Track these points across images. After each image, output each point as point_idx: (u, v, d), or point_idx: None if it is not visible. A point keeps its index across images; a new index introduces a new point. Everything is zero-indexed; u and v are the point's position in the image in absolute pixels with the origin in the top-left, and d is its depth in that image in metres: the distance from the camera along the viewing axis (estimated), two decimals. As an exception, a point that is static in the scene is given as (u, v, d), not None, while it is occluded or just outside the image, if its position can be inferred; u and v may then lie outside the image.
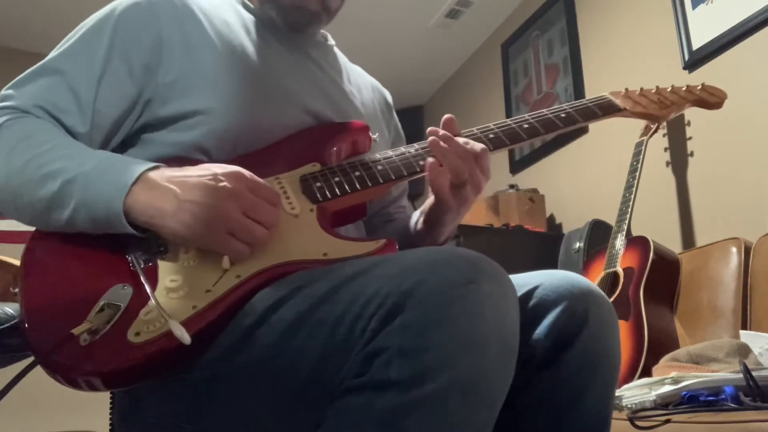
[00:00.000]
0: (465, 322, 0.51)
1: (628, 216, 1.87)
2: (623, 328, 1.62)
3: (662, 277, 1.73)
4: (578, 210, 2.55)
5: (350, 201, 0.78)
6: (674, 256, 1.80)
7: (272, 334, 0.59)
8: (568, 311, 0.71)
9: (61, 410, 2.34)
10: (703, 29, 2.03)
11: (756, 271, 1.57)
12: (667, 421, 0.99)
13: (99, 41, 0.78)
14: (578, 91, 2.63)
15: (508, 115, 3.13)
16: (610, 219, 2.02)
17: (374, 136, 0.87)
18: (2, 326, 0.81)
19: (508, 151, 3.04)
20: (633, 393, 1.14)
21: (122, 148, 0.80)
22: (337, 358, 0.54)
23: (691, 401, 1.02)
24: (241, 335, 0.61)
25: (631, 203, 1.89)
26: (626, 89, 0.95)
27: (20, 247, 0.70)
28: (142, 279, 0.63)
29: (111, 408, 0.73)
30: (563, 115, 0.87)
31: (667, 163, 2.14)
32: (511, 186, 2.67)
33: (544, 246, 2.41)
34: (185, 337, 0.57)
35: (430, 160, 0.76)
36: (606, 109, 0.90)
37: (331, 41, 1.01)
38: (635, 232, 1.90)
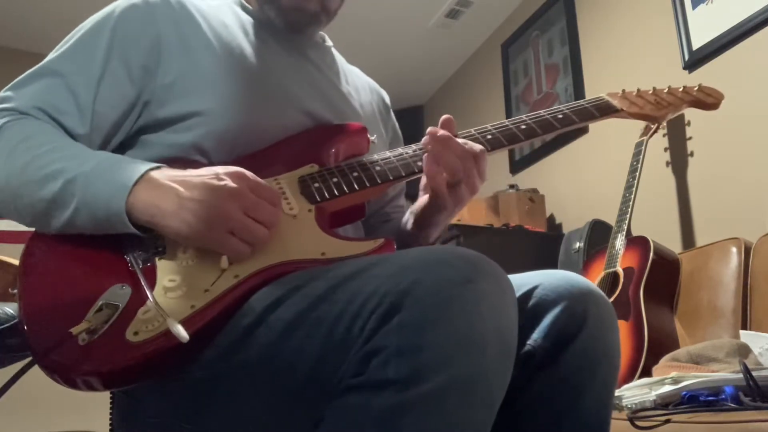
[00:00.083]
0: (463, 321, 0.51)
1: (628, 216, 1.87)
2: (623, 328, 1.62)
3: (662, 277, 1.73)
4: (578, 210, 2.55)
5: (348, 201, 0.78)
6: (674, 256, 1.80)
7: (270, 334, 0.59)
8: (567, 311, 0.71)
9: (61, 410, 2.34)
10: (703, 29, 2.03)
11: (756, 271, 1.56)
12: (667, 421, 0.99)
13: (98, 43, 0.78)
14: (578, 91, 2.63)
15: (508, 115, 3.13)
16: (610, 219, 2.02)
17: (372, 138, 0.87)
18: (2, 326, 0.81)
19: (508, 151, 3.05)
20: (633, 393, 1.14)
21: (121, 149, 0.80)
22: (335, 358, 0.54)
23: (691, 401, 1.02)
24: (240, 335, 0.61)
25: (631, 203, 1.89)
26: (623, 90, 0.95)
27: (20, 247, 0.70)
28: (141, 279, 0.63)
29: (111, 408, 0.73)
30: (560, 116, 0.87)
31: (667, 163, 2.14)
32: (511, 186, 2.67)
33: (544, 246, 2.41)
34: (183, 336, 0.57)
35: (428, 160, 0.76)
36: (603, 110, 0.90)
37: (329, 42, 1.01)
38: (635, 232, 1.90)
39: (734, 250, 1.64)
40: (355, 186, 0.77)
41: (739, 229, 1.75)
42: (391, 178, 0.78)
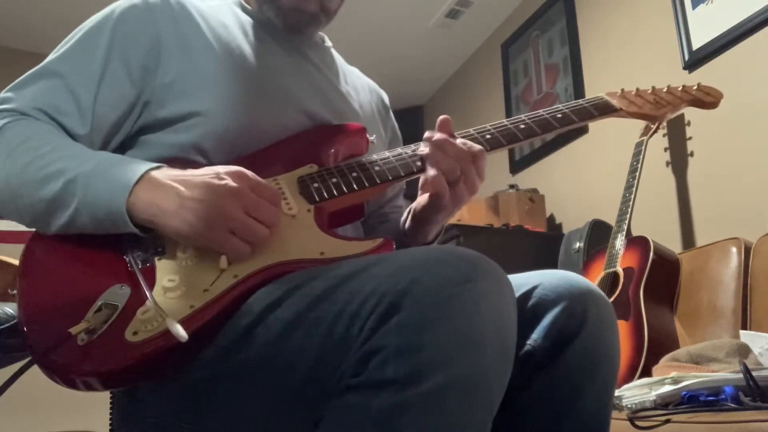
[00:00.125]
0: (462, 320, 0.51)
1: (628, 216, 1.87)
2: (623, 328, 1.62)
3: (662, 277, 1.73)
4: (578, 210, 2.55)
5: (347, 201, 0.78)
6: (674, 256, 1.80)
7: (270, 334, 0.59)
8: (567, 311, 0.71)
9: (61, 410, 2.35)
10: (703, 29, 2.03)
11: (756, 271, 1.56)
12: (667, 421, 0.99)
13: (98, 43, 0.78)
14: (578, 91, 2.63)
15: (508, 115, 3.13)
16: (610, 219, 2.02)
17: (371, 138, 0.88)
18: (2, 326, 0.81)
19: (508, 151, 3.05)
20: (633, 393, 1.14)
21: (121, 149, 0.80)
22: (334, 357, 0.54)
23: (691, 401, 1.02)
24: (239, 335, 0.61)
25: (631, 203, 1.89)
26: (622, 89, 0.95)
27: (20, 247, 0.70)
28: (140, 279, 0.63)
29: (111, 408, 0.73)
30: (559, 116, 0.87)
31: (667, 163, 2.14)
32: (511, 186, 2.67)
33: (544, 246, 2.41)
34: (182, 335, 0.57)
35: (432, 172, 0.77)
36: (602, 109, 0.90)
37: (329, 43, 1.01)
38: (635, 232, 1.90)
39: (734, 250, 1.64)
40: (354, 186, 0.77)
41: (739, 229, 1.75)
42: (390, 178, 0.78)
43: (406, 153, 0.81)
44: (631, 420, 1.01)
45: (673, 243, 1.98)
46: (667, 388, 1.07)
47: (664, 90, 0.97)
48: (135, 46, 0.78)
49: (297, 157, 0.80)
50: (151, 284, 0.64)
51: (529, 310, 0.72)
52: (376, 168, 0.79)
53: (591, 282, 0.76)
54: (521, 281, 0.75)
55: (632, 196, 1.90)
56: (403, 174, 0.79)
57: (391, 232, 0.95)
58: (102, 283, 0.64)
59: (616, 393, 1.14)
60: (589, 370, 0.70)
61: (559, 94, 2.79)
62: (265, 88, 0.83)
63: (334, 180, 0.77)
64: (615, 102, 0.92)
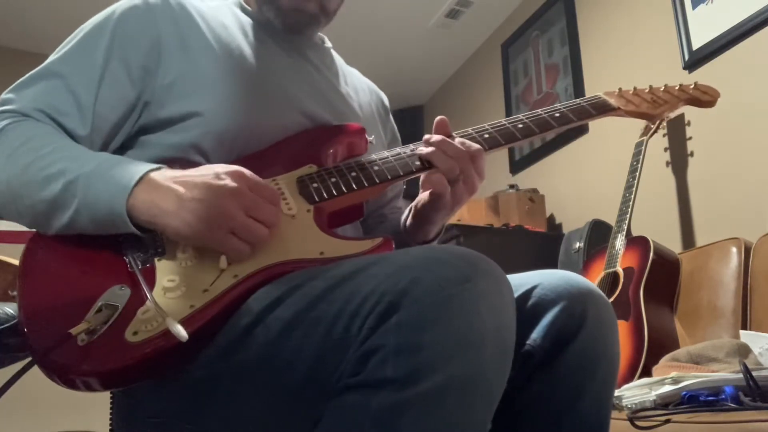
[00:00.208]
0: (461, 320, 0.51)
1: (628, 216, 1.87)
2: (623, 328, 1.62)
3: (662, 277, 1.73)
4: (578, 210, 2.55)
5: (347, 201, 0.78)
6: (674, 256, 1.80)
7: (269, 333, 0.59)
8: (566, 311, 0.71)
9: (61, 410, 2.35)
10: (703, 29, 2.03)
11: (756, 271, 1.56)
12: (667, 421, 0.99)
13: (98, 44, 0.78)
14: (578, 91, 2.63)
15: (508, 115, 3.13)
16: (610, 219, 2.02)
17: (370, 138, 0.88)
18: (2, 326, 0.81)
19: (508, 151, 3.05)
20: (633, 393, 1.14)
21: (121, 150, 0.81)
22: (333, 357, 0.54)
23: (691, 401, 1.02)
24: (239, 335, 0.61)
25: (631, 203, 1.89)
26: (620, 89, 0.96)
27: (20, 247, 0.70)
28: (140, 279, 0.63)
29: (111, 408, 0.73)
30: (557, 115, 0.87)
31: (667, 163, 2.14)
32: (511, 186, 2.67)
33: (544, 246, 2.41)
34: (182, 335, 0.57)
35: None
36: (599, 108, 0.91)
37: (328, 44, 1.02)
38: (635, 232, 1.90)
39: (734, 250, 1.64)
40: (354, 186, 0.77)
41: (739, 229, 1.75)
42: (389, 177, 0.78)
43: (404, 153, 0.81)
44: (631, 420, 1.01)
45: (673, 243, 1.98)
46: (667, 388, 1.07)
47: (662, 89, 0.98)
48: (135, 47, 0.79)
49: (296, 158, 0.80)
50: (151, 285, 0.64)
51: (528, 309, 0.72)
52: (375, 168, 0.79)
53: (591, 282, 0.76)
54: (521, 281, 0.75)
55: (632, 196, 1.90)
56: (402, 174, 0.79)
57: (390, 232, 0.95)
58: (102, 284, 0.64)
59: (616, 393, 1.15)
60: (588, 370, 0.70)
61: (559, 94, 2.78)
62: (265, 88, 0.83)
63: (334, 180, 0.77)
64: (613, 101, 0.92)
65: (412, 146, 0.82)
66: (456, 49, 3.57)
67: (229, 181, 0.65)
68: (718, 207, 1.92)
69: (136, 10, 0.81)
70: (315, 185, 0.76)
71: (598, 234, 2.19)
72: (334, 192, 0.76)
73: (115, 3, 0.83)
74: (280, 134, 0.82)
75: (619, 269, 1.79)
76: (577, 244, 2.21)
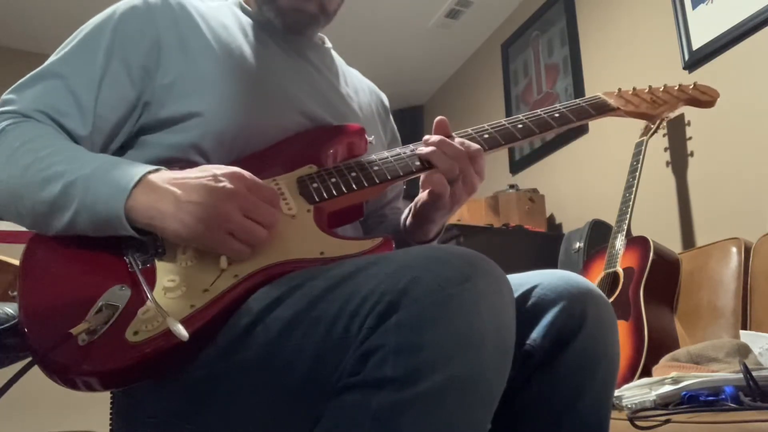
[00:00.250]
0: (461, 320, 0.51)
1: (628, 216, 1.87)
2: (623, 328, 1.62)
3: (662, 277, 1.73)
4: (578, 210, 2.55)
5: (347, 201, 0.78)
6: (674, 256, 1.80)
7: (269, 333, 0.59)
8: (566, 311, 0.71)
9: (61, 410, 2.34)
10: (703, 29, 2.03)
11: (756, 271, 1.56)
12: (667, 421, 0.99)
13: (98, 44, 0.78)
14: (578, 91, 2.63)
15: (508, 115, 3.13)
16: (610, 219, 2.02)
17: (370, 139, 0.88)
18: (2, 326, 0.81)
19: (508, 151, 3.05)
20: (633, 393, 1.14)
21: (121, 150, 0.81)
22: (333, 357, 0.54)
23: (691, 401, 1.02)
24: (239, 334, 0.61)
25: (631, 203, 1.89)
26: (619, 89, 0.96)
27: (20, 247, 0.70)
28: (140, 279, 0.64)
29: (111, 408, 0.73)
30: (557, 115, 0.87)
31: (667, 163, 2.14)
32: (511, 186, 2.67)
33: (544, 246, 2.41)
34: (183, 334, 0.57)
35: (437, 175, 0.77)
36: (599, 108, 0.91)
37: (329, 44, 1.02)
38: (635, 232, 1.90)
39: (734, 250, 1.64)
40: (354, 186, 0.77)
41: (739, 229, 1.75)
42: (389, 178, 0.78)
43: (404, 153, 0.81)
44: (631, 420, 1.01)
45: (673, 243, 1.98)
46: (667, 388, 1.07)
47: (661, 89, 0.98)
48: (135, 47, 0.79)
49: (296, 158, 0.80)
50: (152, 285, 0.64)
51: (528, 309, 0.72)
52: (375, 168, 0.79)
53: (590, 282, 0.76)
54: (521, 281, 0.75)
55: (632, 196, 1.90)
56: (401, 174, 0.79)
57: (390, 232, 0.95)
58: (102, 284, 0.64)
59: (616, 393, 1.15)
60: (588, 369, 0.70)
61: (559, 94, 2.79)
62: (265, 89, 0.83)
63: (334, 180, 0.77)
64: (612, 101, 0.92)
65: (411, 146, 0.82)
66: (456, 49, 3.57)
67: (227, 183, 0.65)
68: (718, 207, 1.92)
69: (136, 11, 0.81)
70: (315, 185, 0.76)
71: (598, 234, 2.19)
72: (334, 192, 0.76)
73: (115, 3, 0.83)
74: (280, 134, 0.82)
75: (619, 269, 1.79)
76: (577, 244, 2.21)
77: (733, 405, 0.96)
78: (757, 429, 0.87)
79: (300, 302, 0.59)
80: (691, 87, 0.99)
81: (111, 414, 0.73)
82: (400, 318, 0.51)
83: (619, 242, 1.84)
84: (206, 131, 0.77)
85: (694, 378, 1.06)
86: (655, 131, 2.04)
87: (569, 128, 0.89)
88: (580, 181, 2.60)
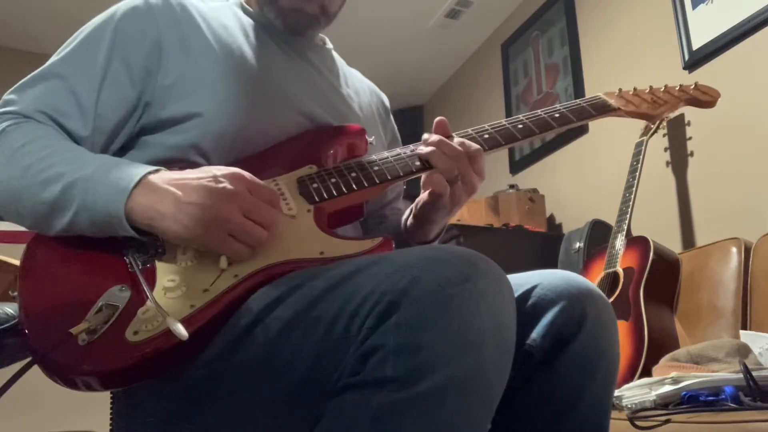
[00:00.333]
0: (461, 320, 0.51)
1: (628, 216, 1.87)
2: (623, 328, 1.62)
3: (662, 277, 1.73)
4: (578, 210, 2.55)
5: (347, 202, 0.78)
6: (674, 256, 1.80)
7: (269, 333, 0.59)
8: (566, 311, 0.71)
9: (61, 410, 2.34)
10: (703, 29, 2.03)
11: (756, 271, 1.56)
12: (667, 421, 0.99)
13: (99, 45, 0.78)
14: (578, 91, 2.63)
15: (508, 115, 3.13)
16: (610, 219, 2.02)
17: (371, 139, 0.88)
18: (2, 326, 0.81)
19: (508, 151, 3.05)
20: (633, 393, 1.14)
21: (122, 150, 0.81)
22: (333, 356, 0.54)
23: (691, 401, 1.02)
24: (239, 334, 0.61)
25: (631, 203, 1.89)
26: (620, 89, 0.96)
27: (20, 248, 0.70)
28: (140, 279, 0.64)
29: (111, 408, 0.73)
30: (557, 115, 0.87)
31: (667, 163, 2.14)
32: (511, 186, 2.67)
33: (544, 246, 2.41)
34: (183, 334, 0.57)
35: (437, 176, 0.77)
36: (599, 108, 0.91)
37: (329, 45, 1.02)
38: (635, 232, 1.90)
39: (734, 250, 1.64)
40: (354, 186, 0.77)
41: (739, 229, 1.75)
42: (389, 178, 0.78)
43: (404, 153, 0.81)
44: (631, 420, 1.01)
45: (673, 243, 1.98)
46: (667, 388, 1.07)
47: (662, 89, 0.98)
48: (136, 48, 0.79)
49: (296, 158, 0.80)
50: (152, 285, 0.64)
51: (528, 309, 0.72)
52: (375, 168, 0.79)
53: (590, 282, 0.76)
54: (520, 281, 0.75)
55: (632, 196, 1.90)
56: (401, 174, 0.79)
57: (390, 232, 0.95)
58: (102, 284, 0.64)
59: (616, 393, 1.15)
60: (588, 369, 0.70)
61: (559, 94, 2.79)
62: (265, 89, 0.83)
63: (334, 180, 0.77)
64: (612, 101, 0.92)
65: (412, 146, 0.82)
66: (456, 49, 3.57)
67: (227, 184, 0.65)
68: (718, 207, 1.92)
69: (137, 11, 0.81)
70: (315, 185, 0.76)
71: (598, 234, 2.19)
72: (334, 192, 0.76)
73: (116, 4, 0.83)
74: (280, 135, 0.82)
75: (619, 269, 1.79)
76: (577, 244, 2.21)
77: (733, 405, 0.96)
78: (757, 429, 0.87)
79: (300, 302, 0.59)
80: (692, 87, 0.99)
81: (111, 414, 0.73)
82: (400, 318, 0.51)
83: (619, 242, 1.84)
84: (206, 132, 0.77)
85: (694, 378, 1.06)
86: (655, 131, 2.04)
87: (569, 128, 0.89)
88: (580, 181, 2.60)
